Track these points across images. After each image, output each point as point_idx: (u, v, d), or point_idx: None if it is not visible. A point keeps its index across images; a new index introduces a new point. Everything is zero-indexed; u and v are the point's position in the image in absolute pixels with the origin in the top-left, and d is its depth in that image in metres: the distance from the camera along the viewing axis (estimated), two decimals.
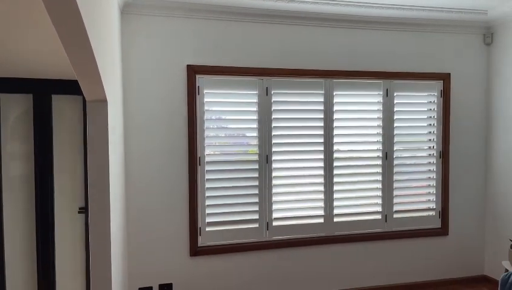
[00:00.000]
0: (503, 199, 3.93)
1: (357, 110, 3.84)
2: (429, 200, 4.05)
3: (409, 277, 3.99)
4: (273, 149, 3.62)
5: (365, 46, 3.79)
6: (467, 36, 4.03)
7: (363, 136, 3.85)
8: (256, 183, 3.60)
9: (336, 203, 3.77)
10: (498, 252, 3.95)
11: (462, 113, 4.03)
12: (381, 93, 3.84)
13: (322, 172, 3.73)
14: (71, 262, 3.11)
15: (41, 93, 2.97)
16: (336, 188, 3.76)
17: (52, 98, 3.00)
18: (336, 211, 3.77)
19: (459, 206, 4.07)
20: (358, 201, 3.86)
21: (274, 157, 3.63)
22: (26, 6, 2.14)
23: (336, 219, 3.78)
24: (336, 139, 3.75)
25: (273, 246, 3.64)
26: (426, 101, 4.02)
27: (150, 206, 3.39)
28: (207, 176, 3.50)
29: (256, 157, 3.60)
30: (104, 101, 2.35)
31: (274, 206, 3.64)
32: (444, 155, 4.01)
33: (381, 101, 3.84)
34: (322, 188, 3.73)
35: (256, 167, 3.59)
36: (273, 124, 3.61)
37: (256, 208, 3.61)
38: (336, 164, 3.76)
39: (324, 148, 3.73)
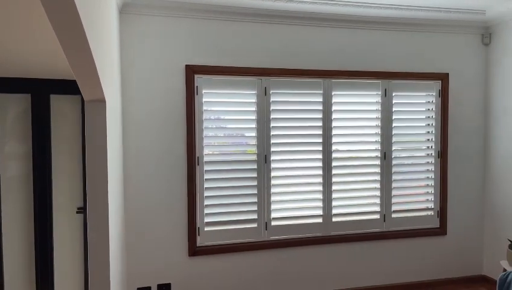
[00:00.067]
0: (502, 198, 3.94)
1: (356, 110, 3.85)
2: (427, 200, 4.05)
3: (408, 276, 3.99)
4: (272, 149, 3.62)
5: (364, 46, 3.79)
6: (465, 36, 4.04)
7: (361, 136, 3.85)
8: (255, 183, 3.60)
9: (334, 203, 3.77)
10: (496, 252, 3.96)
11: (460, 113, 4.04)
12: (380, 93, 3.85)
13: (320, 172, 3.74)
14: (69, 262, 3.10)
15: (40, 93, 2.97)
16: (334, 188, 3.77)
17: (51, 98, 3.00)
18: (334, 211, 3.78)
19: (458, 206, 4.08)
20: (357, 201, 3.86)
21: (273, 157, 3.63)
22: (25, 6, 2.13)
23: (334, 219, 3.78)
24: (334, 139, 3.76)
25: (271, 246, 3.65)
26: (424, 101, 4.03)
27: (149, 206, 3.39)
28: (205, 176, 3.50)
29: (254, 157, 3.60)
30: (102, 101, 2.35)
31: (272, 206, 3.65)
32: (442, 155, 4.01)
33: (380, 101, 3.85)
34: (320, 188, 3.74)
35: (255, 166, 3.60)
36: (272, 124, 3.61)
37: (254, 208, 3.61)
38: (334, 163, 3.76)
39: (323, 148, 3.73)
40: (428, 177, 4.05)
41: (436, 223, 4.05)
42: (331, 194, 3.76)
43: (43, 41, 2.41)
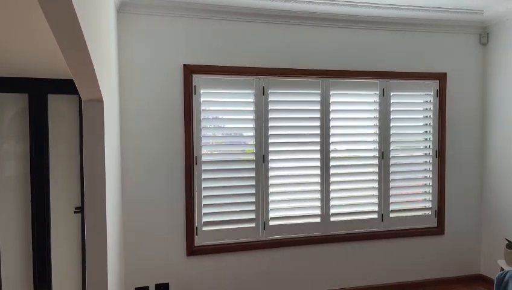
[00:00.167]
0: (499, 198, 3.95)
1: (353, 110, 3.85)
2: (425, 199, 4.06)
3: (405, 276, 4.00)
4: (270, 149, 3.62)
5: (361, 45, 3.80)
6: (463, 36, 4.05)
7: (359, 135, 3.86)
8: (253, 182, 3.60)
9: (332, 203, 3.78)
10: (494, 251, 3.97)
11: (458, 113, 4.05)
12: (378, 93, 3.85)
13: (318, 172, 3.74)
14: (67, 262, 3.10)
15: (37, 92, 2.96)
16: (332, 187, 3.77)
17: (48, 98, 2.99)
18: (332, 211, 3.78)
19: (455, 206, 4.09)
20: (355, 200, 3.87)
21: (271, 157, 3.63)
22: (23, 6, 2.13)
23: (332, 219, 3.79)
24: (332, 139, 3.76)
25: (269, 245, 3.65)
26: (422, 101, 4.04)
27: (147, 206, 3.39)
28: (203, 176, 3.50)
29: (252, 157, 3.60)
30: (100, 101, 2.35)
31: (270, 206, 3.65)
32: (440, 155, 4.02)
33: (378, 100, 3.85)
34: (318, 187, 3.74)
35: (253, 166, 3.60)
36: (270, 124, 3.61)
37: (252, 207, 3.61)
38: (332, 163, 3.77)
39: (321, 147, 3.73)
40: (426, 176, 4.05)
41: (433, 223, 4.06)
42: (329, 194, 3.76)
43: (43, 41, 2.40)
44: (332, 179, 3.77)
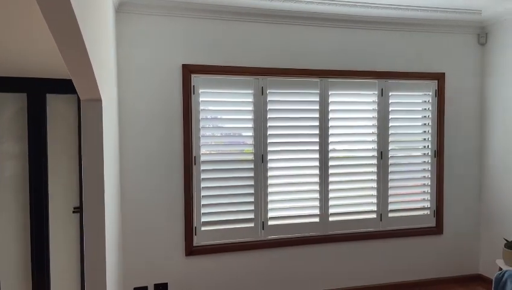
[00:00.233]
0: (498, 198, 3.96)
1: (352, 109, 3.86)
2: (424, 199, 4.06)
3: (404, 275, 4.00)
4: (269, 149, 3.62)
5: (360, 45, 3.80)
6: (462, 36, 4.05)
7: (358, 135, 3.86)
8: (252, 182, 3.60)
9: (331, 203, 3.78)
10: (492, 251, 3.98)
11: (456, 113, 4.06)
12: (376, 92, 3.85)
13: (317, 171, 3.74)
14: (66, 262, 3.09)
15: (36, 92, 2.96)
16: (331, 187, 3.77)
17: (47, 98, 2.99)
18: (331, 211, 3.78)
19: (454, 205, 4.09)
20: (354, 200, 3.87)
21: (269, 157, 3.63)
22: (24, 6, 2.13)
23: (331, 218, 3.79)
24: (331, 139, 3.76)
25: (268, 245, 3.65)
26: (421, 101, 4.04)
27: (145, 205, 3.38)
28: (202, 176, 3.49)
29: (251, 157, 3.60)
30: (98, 100, 2.35)
31: (269, 206, 3.65)
32: (438, 154, 4.03)
33: (376, 100, 3.86)
34: (317, 187, 3.74)
35: (252, 166, 3.60)
36: (269, 124, 3.61)
37: (251, 207, 3.61)
38: (331, 163, 3.77)
39: (319, 147, 3.74)
40: (424, 176, 4.06)
41: (432, 223, 4.06)
42: (328, 194, 3.77)
43: (42, 41, 2.40)
44: (331, 178, 3.77)
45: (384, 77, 3.85)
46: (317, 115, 3.72)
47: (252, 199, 3.61)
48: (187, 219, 3.45)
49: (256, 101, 3.58)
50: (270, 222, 3.66)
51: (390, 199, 3.93)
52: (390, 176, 3.92)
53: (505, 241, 3.51)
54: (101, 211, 2.40)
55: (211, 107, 3.55)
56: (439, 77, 3.99)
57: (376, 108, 3.86)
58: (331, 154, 3.77)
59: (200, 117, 3.48)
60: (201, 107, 3.48)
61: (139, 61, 3.33)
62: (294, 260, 3.72)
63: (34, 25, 2.26)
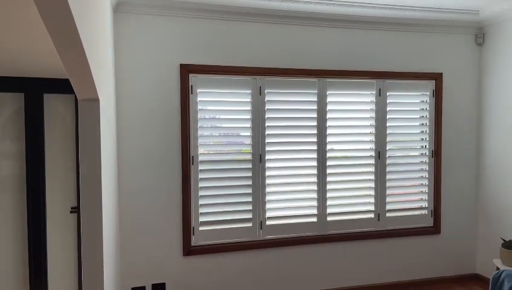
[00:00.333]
0: (495, 197, 3.97)
1: (350, 109, 3.86)
2: (421, 199, 4.07)
3: (402, 275, 4.01)
4: (267, 148, 3.62)
5: (358, 45, 3.80)
6: (459, 36, 4.06)
7: (356, 135, 3.87)
8: (250, 182, 3.60)
9: (329, 203, 3.78)
10: (489, 251, 3.99)
11: (454, 113, 4.07)
12: (374, 92, 3.86)
13: (315, 171, 3.74)
14: (63, 262, 3.09)
15: (33, 92, 2.95)
16: (329, 187, 3.78)
17: (44, 97, 2.98)
18: (329, 210, 3.79)
19: (451, 205, 4.10)
20: (351, 200, 3.88)
21: (267, 157, 3.63)
22: (20, 6, 2.13)
23: (329, 218, 3.79)
24: (329, 139, 3.76)
25: (266, 245, 3.65)
26: (419, 101, 4.05)
27: (143, 205, 3.38)
28: (200, 175, 3.49)
29: (249, 157, 3.60)
30: (96, 100, 2.34)
31: (267, 206, 3.65)
32: (436, 154, 4.04)
33: (374, 100, 3.86)
34: (315, 187, 3.75)
35: (250, 166, 3.60)
36: (267, 124, 3.61)
37: (249, 207, 3.61)
38: (329, 163, 3.77)
39: (317, 147, 3.74)
40: (422, 176, 4.07)
41: (429, 222, 4.07)
42: (326, 194, 3.77)
43: (41, 41, 2.40)
44: (328, 178, 3.77)
45: (382, 77, 3.86)
46: (315, 115, 3.73)
47: (250, 199, 3.61)
48: (185, 219, 3.45)
49: (254, 101, 3.58)
50: (268, 222, 3.66)
51: (387, 199, 3.94)
52: (388, 176, 3.92)
53: (502, 241, 3.52)
54: (98, 211, 2.40)
55: (209, 107, 3.55)
56: (437, 77, 4.00)
57: (374, 108, 3.86)
58: (329, 154, 3.77)
59: (198, 117, 3.48)
60: (199, 107, 3.48)
61: (136, 61, 3.32)
62: (292, 259, 3.73)
63: (32, 25, 2.26)
